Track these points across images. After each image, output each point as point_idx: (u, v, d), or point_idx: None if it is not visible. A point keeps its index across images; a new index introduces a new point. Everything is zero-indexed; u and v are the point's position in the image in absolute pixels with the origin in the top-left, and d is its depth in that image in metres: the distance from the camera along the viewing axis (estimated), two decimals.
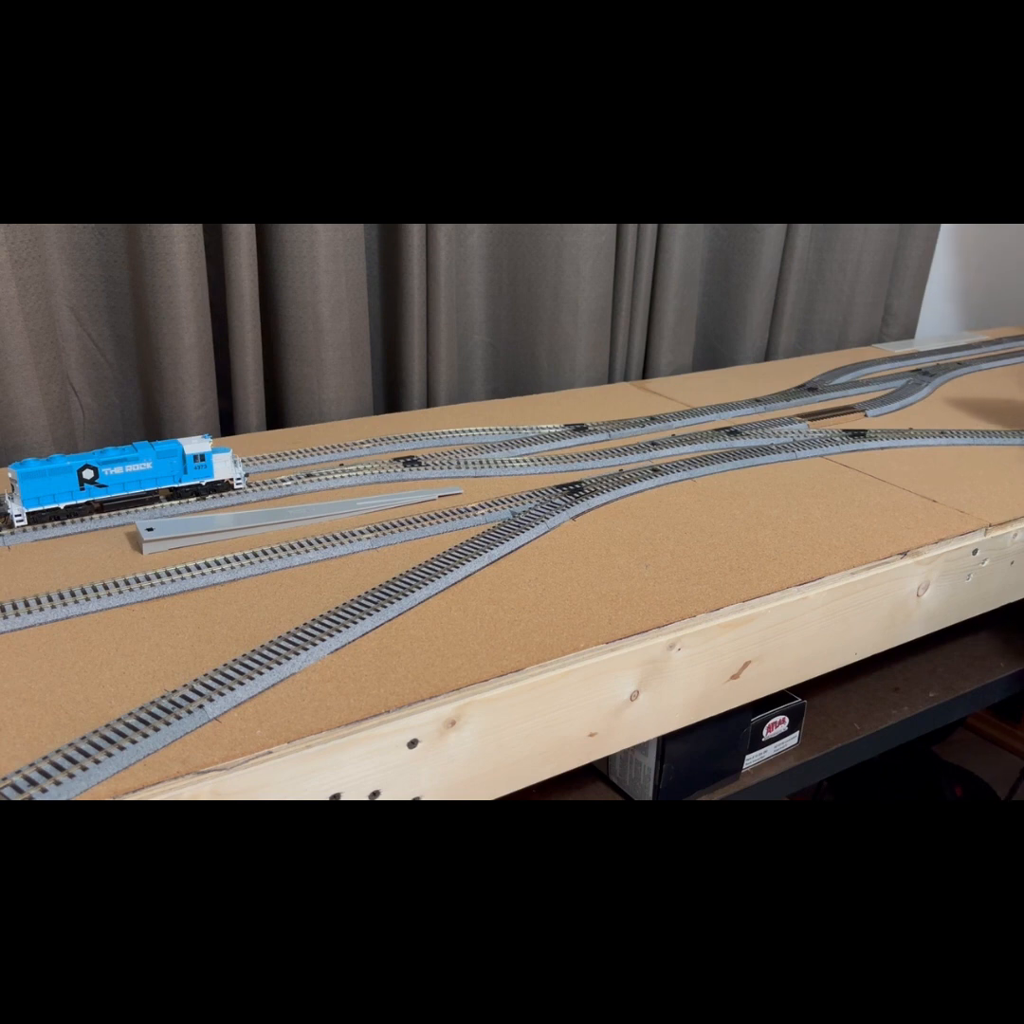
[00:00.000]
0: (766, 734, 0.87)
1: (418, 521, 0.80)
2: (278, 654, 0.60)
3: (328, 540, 0.76)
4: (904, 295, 1.74)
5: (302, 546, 0.75)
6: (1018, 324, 1.73)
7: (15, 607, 0.65)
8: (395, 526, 0.79)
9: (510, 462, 0.96)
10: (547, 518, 0.82)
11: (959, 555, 0.82)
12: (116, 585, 0.68)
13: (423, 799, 0.58)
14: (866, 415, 1.16)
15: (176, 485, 0.83)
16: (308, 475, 0.89)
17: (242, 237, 1.03)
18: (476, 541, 0.77)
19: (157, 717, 0.54)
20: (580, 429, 1.06)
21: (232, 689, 0.56)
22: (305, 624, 0.64)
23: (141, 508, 0.81)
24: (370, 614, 0.65)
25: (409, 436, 1.02)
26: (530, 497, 0.87)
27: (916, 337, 1.80)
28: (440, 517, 0.81)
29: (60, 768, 0.50)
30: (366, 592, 0.69)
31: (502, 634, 0.65)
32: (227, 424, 1.15)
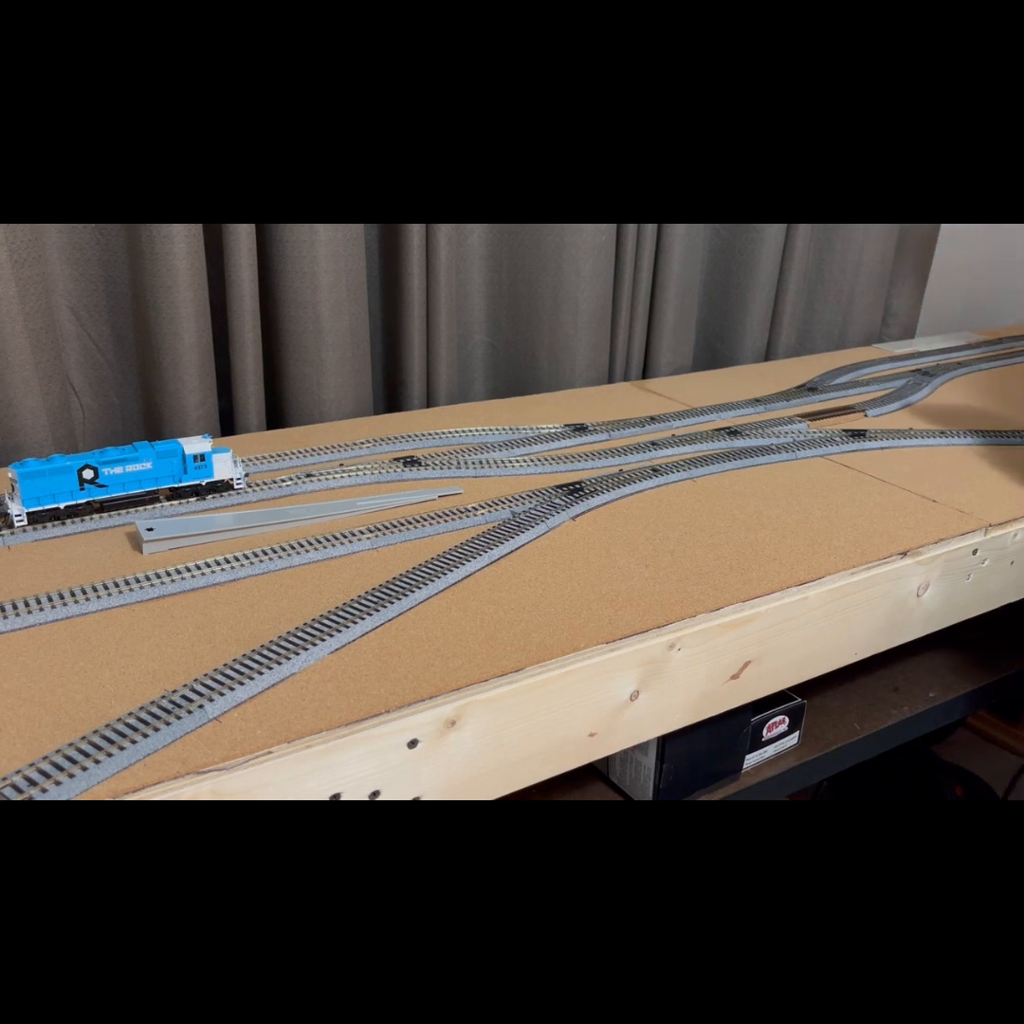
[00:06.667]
0: (766, 734, 0.88)
1: (418, 521, 0.80)
2: (278, 654, 0.60)
3: (328, 540, 0.76)
4: (904, 295, 1.74)
5: (302, 546, 0.75)
6: (1018, 324, 1.73)
7: (15, 607, 0.65)
8: (395, 526, 0.79)
9: (510, 462, 0.96)
10: (547, 518, 0.82)
11: (959, 555, 0.82)
12: (116, 585, 0.68)
13: (423, 799, 0.58)
14: (866, 415, 1.16)
15: (176, 485, 0.83)
16: (308, 475, 0.89)
17: (242, 237, 1.03)
18: (476, 541, 0.77)
19: (157, 717, 0.54)
20: (580, 429, 1.06)
21: (232, 689, 0.56)
22: (305, 624, 0.64)
23: (141, 508, 0.81)
24: (370, 614, 0.65)
25: (409, 436, 1.02)
26: (530, 497, 0.87)
27: (916, 337, 1.80)
28: (440, 517, 0.81)
29: (60, 768, 0.50)
30: (366, 592, 0.69)
31: (502, 634, 0.65)
32: (227, 424, 1.15)
